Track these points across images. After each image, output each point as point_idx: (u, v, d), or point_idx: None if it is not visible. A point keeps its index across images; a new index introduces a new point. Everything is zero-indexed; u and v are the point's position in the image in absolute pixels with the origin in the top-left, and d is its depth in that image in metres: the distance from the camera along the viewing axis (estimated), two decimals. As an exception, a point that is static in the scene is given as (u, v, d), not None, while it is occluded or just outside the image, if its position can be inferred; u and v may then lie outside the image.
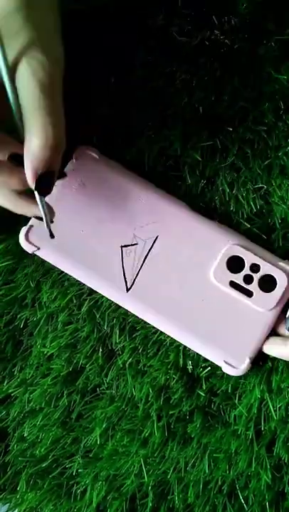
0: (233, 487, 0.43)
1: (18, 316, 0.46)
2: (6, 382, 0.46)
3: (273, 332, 0.42)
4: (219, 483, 0.43)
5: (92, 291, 0.44)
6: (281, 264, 0.42)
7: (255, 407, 0.43)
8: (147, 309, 0.43)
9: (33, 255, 0.44)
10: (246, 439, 0.43)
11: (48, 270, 0.45)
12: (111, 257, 0.43)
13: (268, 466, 0.43)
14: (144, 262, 0.43)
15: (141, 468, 0.44)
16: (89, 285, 0.44)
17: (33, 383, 0.45)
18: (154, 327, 0.43)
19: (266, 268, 0.42)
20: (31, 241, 0.44)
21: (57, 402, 0.45)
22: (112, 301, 0.44)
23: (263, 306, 0.42)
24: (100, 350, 0.45)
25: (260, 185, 0.43)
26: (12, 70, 0.33)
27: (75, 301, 0.45)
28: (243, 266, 0.42)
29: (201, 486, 0.43)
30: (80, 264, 0.43)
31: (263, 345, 0.42)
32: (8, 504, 0.45)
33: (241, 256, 0.42)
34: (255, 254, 0.42)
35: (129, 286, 0.43)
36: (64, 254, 0.44)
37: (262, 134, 0.43)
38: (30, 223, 0.44)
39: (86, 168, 0.44)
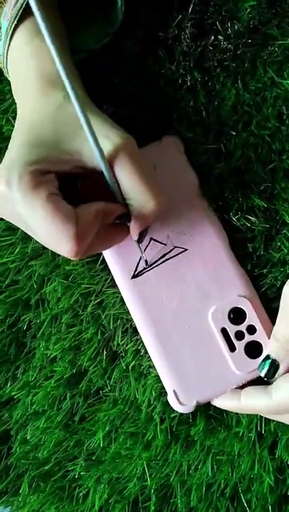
0: (236, 490, 0.43)
1: (22, 317, 0.46)
2: (9, 384, 0.46)
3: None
4: (222, 486, 0.43)
5: (98, 293, 0.45)
6: None
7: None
8: (138, 304, 0.43)
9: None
10: (249, 442, 0.43)
11: (53, 270, 0.45)
12: None
13: (271, 469, 0.43)
14: (161, 263, 0.43)
15: (144, 471, 0.44)
16: (104, 254, 0.44)
17: (36, 385, 0.45)
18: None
19: (261, 336, 0.42)
20: None
21: (60, 404, 0.45)
22: (116, 295, 0.44)
23: (238, 367, 0.41)
24: (104, 352, 0.45)
25: (265, 188, 0.44)
26: (110, 160, 0.36)
27: (80, 301, 0.45)
28: (242, 322, 0.42)
29: (203, 489, 0.43)
30: None
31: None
32: (10, 507, 0.45)
33: (246, 312, 0.42)
34: (259, 318, 0.42)
35: (135, 274, 0.43)
36: None
37: (265, 138, 0.44)
38: None
39: (166, 155, 0.44)
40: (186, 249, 0.43)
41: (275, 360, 0.40)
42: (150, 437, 0.44)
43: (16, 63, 0.40)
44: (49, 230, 0.34)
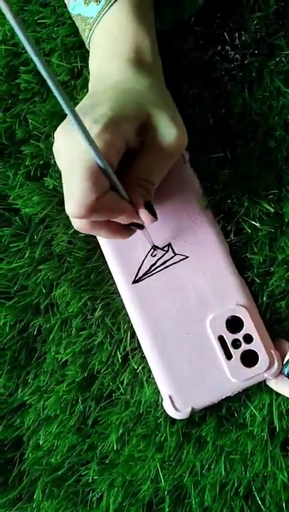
0: (250, 488, 0.44)
1: (32, 323, 0.46)
2: (20, 389, 0.45)
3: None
4: (236, 485, 0.44)
5: (105, 296, 0.45)
6: (272, 351, 0.43)
7: (266, 408, 0.44)
8: (138, 309, 0.43)
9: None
10: (261, 440, 0.44)
11: (61, 276, 0.46)
12: (139, 247, 0.44)
13: (284, 466, 0.43)
14: (162, 269, 0.44)
15: (157, 473, 0.44)
16: (107, 258, 0.44)
17: (47, 390, 0.45)
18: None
19: (257, 346, 0.42)
20: None
21: (72, 408, 0.45)
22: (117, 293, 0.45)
23: (233, 375, 0.42)
24: (115, 355, 0.45)
25: (271, 193, 0.45)
26: None
27: (89, 305, 0.45)
28: (239, 330, 0.43)
29: (217, 489, 0.44)
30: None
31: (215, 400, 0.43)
32: (24, 514, 0.45)
33: (243, 321, 0.43)
34: (256, 328, 0.43)
35: (136, 280, 0.44)
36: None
37: (272, 146, 0.45)
38: None
39: None
40: (187, 257, 0.44)
41: None
42: (162, 439, 0.44)
43: (108, 31, 0.41)
44: (81, 181, 0.34)
